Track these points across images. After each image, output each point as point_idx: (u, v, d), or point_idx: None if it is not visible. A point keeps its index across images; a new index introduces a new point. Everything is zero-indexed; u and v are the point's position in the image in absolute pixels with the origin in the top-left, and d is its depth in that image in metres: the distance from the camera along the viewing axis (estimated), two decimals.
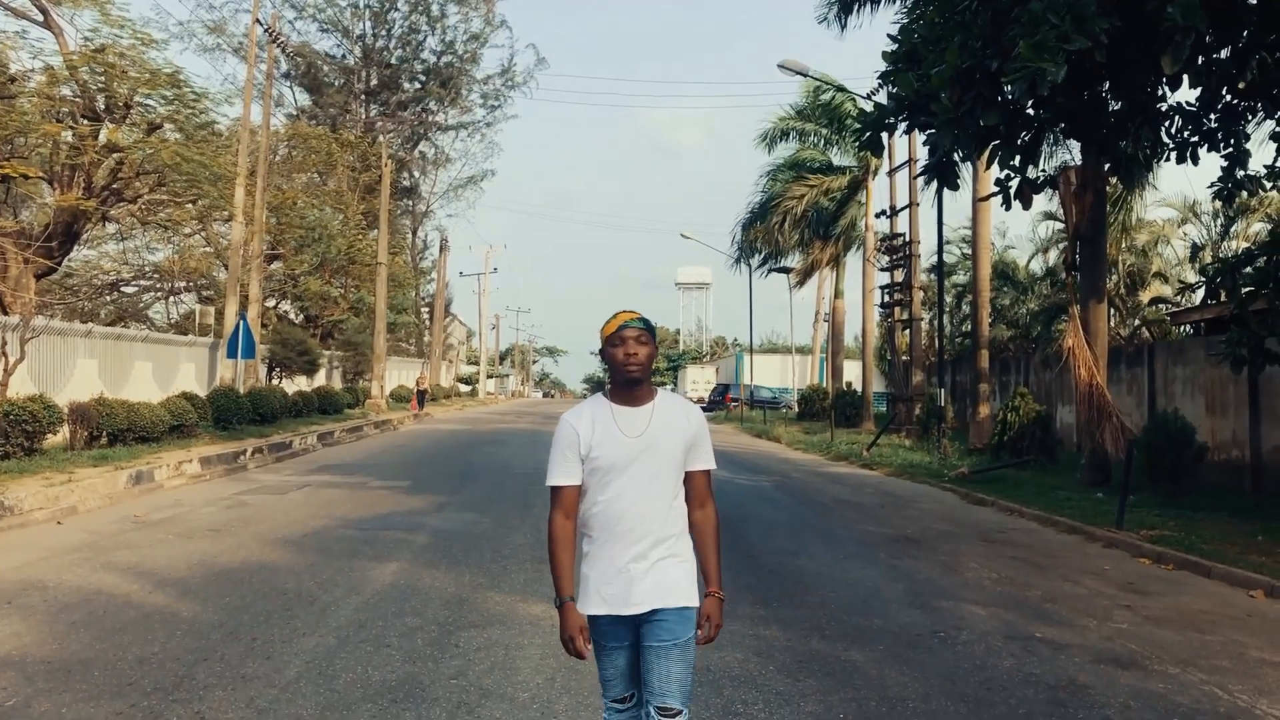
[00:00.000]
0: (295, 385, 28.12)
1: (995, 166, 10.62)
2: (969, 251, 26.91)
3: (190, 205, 24.01)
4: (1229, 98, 9.91)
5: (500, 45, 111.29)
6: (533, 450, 19.69)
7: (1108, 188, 15.74)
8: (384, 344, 35.63)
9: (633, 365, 2.89)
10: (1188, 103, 10.32)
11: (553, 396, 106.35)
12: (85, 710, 4.35)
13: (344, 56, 50.01)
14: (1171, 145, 10.66)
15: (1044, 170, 15.18)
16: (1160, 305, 26.55)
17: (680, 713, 2.85)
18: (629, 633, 2.90)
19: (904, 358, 27.58)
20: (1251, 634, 6.38)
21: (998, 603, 7.06)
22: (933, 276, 28.16)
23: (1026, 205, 10.79)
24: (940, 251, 21.68)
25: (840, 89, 27.72)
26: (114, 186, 20.85)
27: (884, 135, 11.03)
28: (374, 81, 50.33)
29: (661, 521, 2.88)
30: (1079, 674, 5.31)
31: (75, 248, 23.28)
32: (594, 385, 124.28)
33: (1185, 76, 8.60)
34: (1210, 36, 8.31)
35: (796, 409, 39.34)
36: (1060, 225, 24.36)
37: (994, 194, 11.21)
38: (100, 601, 6.31)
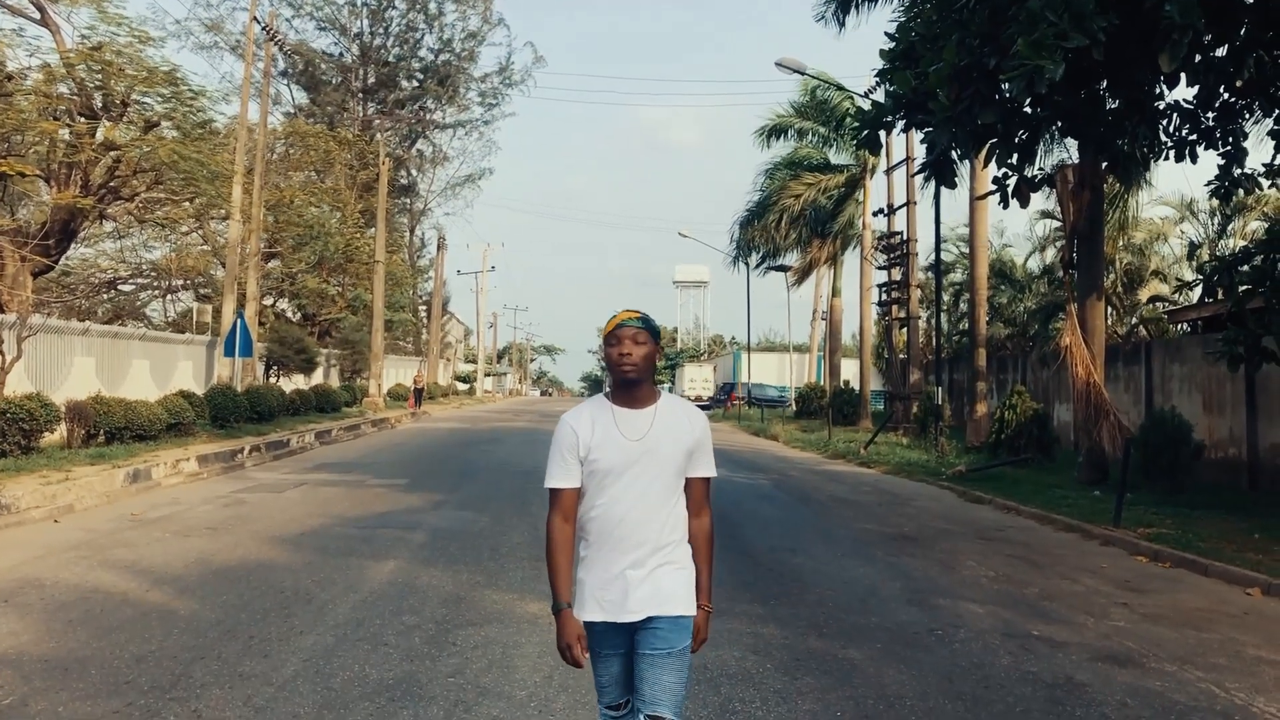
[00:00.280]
0: (293, 383, 28.10)
1: (993, 165, 10.62)
2: (966, 250, 26.94)
3: (188, 203, 24.02)
4: (1226, 96, 9.92)
5: (498, 43, 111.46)
6: (530, 449, 19.68)
7: (1105, 186, 15.75)
8: (381, 342, 35.61)
9: (626, 365, 2.82)
10: (1185, 101, 10.32)
11: (550, 395, 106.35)
12: (82, 708, 4.34)
13: (341, 54, 50.01)
14: (1170, 143, 10.67)
15: (1042, 168, 15.22)
16: (1158, 303, 26.58)
17: None
18: (624, 640, 2.85)
19: (901, 356, 27.58)
20: (1248, 632, 6.39)
21: (995, 601, 7.06)
22: (930, 275, 28.17)
23: (1024, 203, 10.80)
24: (938, 250, 21.70)
25: (838, 87, 27.74)
26: (111, 184, 20.84)
27: (882, 133, 11.04)
28: (371, 79, 50.30)
29: (660, 528, 2.82)
30: (1076, 672, 5.32)
31: (72, 246, 23.27)
32: (591, 384, 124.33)
33: (1183, 74, 8.61)
34: (1208, 35, 8.31)
35: (794, 407, 39.36)
36: (1058, 223, 24.34)
37: (992, 192, 11.21)
38: (97, 600, 6.30)
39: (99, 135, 19.65)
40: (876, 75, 10.68)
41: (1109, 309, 24.80)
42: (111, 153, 20.08)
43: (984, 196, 18.70)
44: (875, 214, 28.32)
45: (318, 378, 31.79)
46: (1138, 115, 10.21)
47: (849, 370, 39.18)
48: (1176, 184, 73.73)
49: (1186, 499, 12.00)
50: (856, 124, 11.54)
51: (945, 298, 31.11)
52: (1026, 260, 32.52)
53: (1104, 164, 12.99)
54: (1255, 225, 23.94)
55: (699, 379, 58.50)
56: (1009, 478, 14.94)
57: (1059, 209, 15.65)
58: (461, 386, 66.52)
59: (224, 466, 14.76)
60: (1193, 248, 24.99)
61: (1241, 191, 11.23)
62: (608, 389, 3.03)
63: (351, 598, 6.51)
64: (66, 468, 11.77)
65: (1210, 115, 10.35)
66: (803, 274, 36.05)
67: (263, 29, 25.47)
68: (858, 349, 33.24)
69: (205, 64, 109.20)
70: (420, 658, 5.19)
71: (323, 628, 5.74)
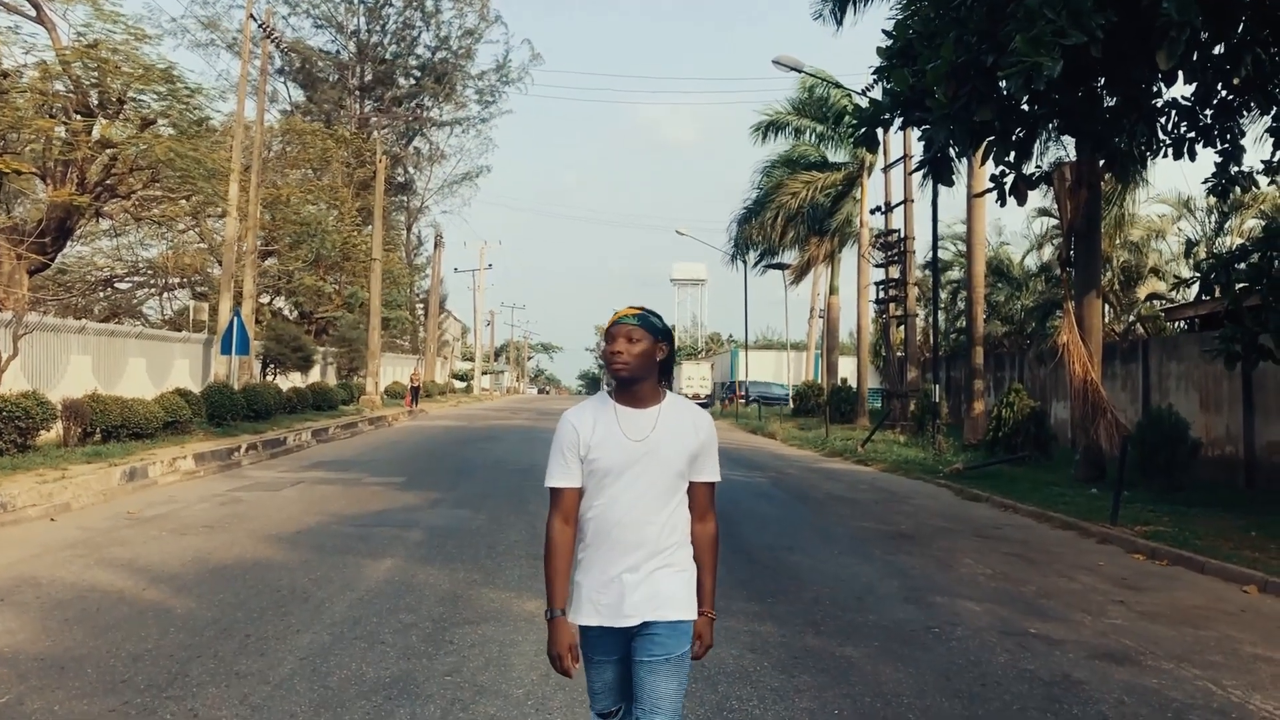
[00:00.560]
0: (290, 381, 28.08)
1: (991, 162, 10.61)
2: (964, 248, 26.93)
3: (184, 201, 23.96)
4: (1224, 93, 9.91)
5: (495, 41, 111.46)
6: (527, 447, 19.67)
7: (1103, 184, 15.75)
8: (379, 340, 35.57)
9: (618, 364, 2.75)
10: (1183, 98, 10.33)
11: (548, 393, 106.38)
12: (79, 707, 4.33)
13: (338, 52, 49.95)
14: (1167, 141, 10.66)
15: (1039, 166, 15.21)
16: (1155, 301, 26.62)
17: None
18: (620, 645, 2.77)
19: (899, 353, 27.60)
20: (1245, 629, 6.39)
21: (992, 598, 7.07)
22: (928, 272, 28.19)
23: (1021, 201, 10.79)
24: (935, 247, 21.72)
25: (836, 85, 27.74)
26: (107, 182, 20.78)
27: (879, 131, 11.00)
28: (368, 77, 50.25)
29: (658, 530, 2.74)
30: (1073, 669, 5.32)
31: (69, 244, 23.21)
32: (589, 382, 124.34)
33: (1180, 72, 8.59)
34: (1205, 32, 8.31)
35: (792, 405, 39.37)
36: (1055, 221, 24.35)
37: (989, 190, 11.20)
38: (94, 598, 6.29)
39: (95, 133, 19.60)
40: (874, 73, 10.67)
41: (1106, 307, 24.81)
42: (108, 150, 20.03)
43: (981, 194, 18.71)
44: (873, 212, 28.34)
45: (315, 376, 31.77)
46: (1135, 113, 10.20)
47: (846, 368, 39.21)
48: (1174, 181, 73.93)
49: (1184, 497, 12.01)
50: (854, 121, 11.53)
51: (943, 295, 31.08)
52: (1024, 258, 32.55)
53: (1101, 162, 12.99)
54: (1253, 223, 23.97)
55: (696, 377, 58.43)
56: (1006, 475, 14.95)
57: (1056, 207, 15.66)
58: (459, 385, 66.52)
59: (221, 465, 14.74)
60: (1190, 245, 25.03)
61: (1239, 189, 11.23)
62: (605, 387, 2.99)
63: (348, 596, 6.50)
64: (63, 466, 11.75)
65: (1208, 113, 10.35)
66: (800, 272, 36.09)
67: (259, 26, 25.42)
68: (855, 347, 33.28)
69: (202, 61, 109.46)
70: (417, 656, 5.19)
71: (319, 626, 5.73)
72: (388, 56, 50.29)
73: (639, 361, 2.76)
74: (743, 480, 15.00)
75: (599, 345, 2.95)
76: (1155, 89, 10.35)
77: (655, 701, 2.71)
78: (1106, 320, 24.57)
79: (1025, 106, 9.81)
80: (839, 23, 21.31)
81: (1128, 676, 5.23)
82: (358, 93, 49.91)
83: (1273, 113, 10.39)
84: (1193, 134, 10.49)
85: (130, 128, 20.25)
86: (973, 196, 20.63)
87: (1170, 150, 10.66)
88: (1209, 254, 21.08)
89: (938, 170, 10.56)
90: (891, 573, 7.94)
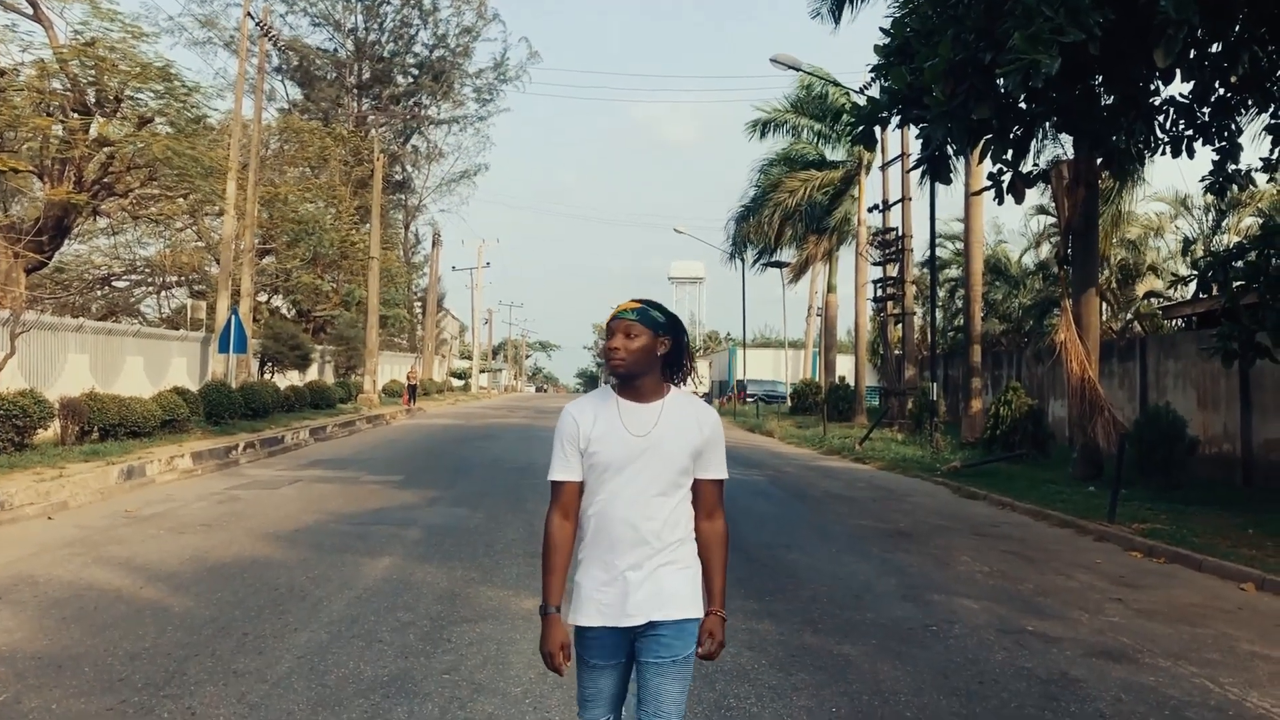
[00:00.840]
0: (287, 380, 28.06)
1: (988, 160, 10.62)
2: (962, 246, 26.94)
3: (181, 199, 23.92)
4: (1221, 91, 9.93)
5: (493, 39, 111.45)
6: (525, 445, 19.64)
7: (1100, 181, 15.75)
8: (376, 338, 35.56)
9: (615, 359, 2.69)
10: (1181, 96, 10.34)
11: (546, 391, 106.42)
12: (76, 706, 4.33)
13: (336, 50, 49.87)
14: (1165, 139, 10.67)
15: (1037, 164, 15.23)
16: (1152, 299, 26.64)
17: None
18: (623, 648, 2.68)
19: (896, 352, 27.61)
20: (1242, 627, 6.40)
21: (990, 596, 7.07)
22: (926, 270, 28.20)
23: (1019, 199, 10.80)
24: (933, 245, 21.73)
25: (834, 83, 27.72)
26: (105, 180, 20.75)
27: (877, 129, 11.01)
28: (366, 75, 50.20)
29: (661, 527, 2.67)
30: (1071, 667, 5.33)
31: (66, 242, 23.18)
32: (587, 380, 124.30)
33: (1178, 70, 8.61)
34: (1203, 30, 8.31)
35: (789, 403, 39.37)
36: (1053, 219, 24.38)
37: (987, 188, 11.21)
38: (91, 597, 6.29)
39: (92, 131, 19.57)
40: (871, 71, 10.67)
41: (1104, 305, 24.83)
42: (105, 149, 19.99)
43: (979, 192, 18.69)
44: (870, 210, 28.36)
45: (312, 374, 31.75)
46: (1133, 111, 10.21)
47: (844, 366, 39.23)
48: (1171, 179, 73.96)
49: (1181, 495, 12.02)
50: (852, 120, 11.52)
51: (940, 294, 31.15)
52: (1021, 256, 32.60)
53: (1099, 160, 12.99)
54: (1250, 221, 24.02)
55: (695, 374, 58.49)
56: (1004, 473, 14.96)
57: (1054, 205, 15.67)
58: (457, 383, 66.53)
59: (218, 463, 14.73)
60: (1187, 243, 25.07)
61: (1236, 187, 11.24)
62: (603, 382, 2.97)
63: (346, 594, 6.50)
64: (60, 464, 11.73)
65: (1205, 111, 10.36)
66: (798, 270, 36.10)
67: (257, 25, 25.39)
68: (853, 345, 33.29)
69: (199, 60, 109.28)
70: (415, 654, 5.18)
71: (317, 624, 5.73)
72: (385, 54, 50.25)
73: (636, 357, 2.68)
74: (741, 478, 15.01)
75: (597, 344, 2.85)
76: (1153, 87, 10.36)
77: (662, 704, 2.64)
78: (1104, 318, 24.59)
79: (1023, 104, 9.83)
80: (837, 21, 21.26)
81: (1125, 674, 5.24)
82: (355, 91, 49.86)
83: (1270, 110, 10.41)
84: (1190, 132, 10.50)
85: (128, 126, 20.22)
86: (970, 194, 20.63)
87: (1168, 148, 10.67)
88: (1206, 252, 21.11)
89: (935, 168, 10.56)
90: (889, 571, 7.95)
